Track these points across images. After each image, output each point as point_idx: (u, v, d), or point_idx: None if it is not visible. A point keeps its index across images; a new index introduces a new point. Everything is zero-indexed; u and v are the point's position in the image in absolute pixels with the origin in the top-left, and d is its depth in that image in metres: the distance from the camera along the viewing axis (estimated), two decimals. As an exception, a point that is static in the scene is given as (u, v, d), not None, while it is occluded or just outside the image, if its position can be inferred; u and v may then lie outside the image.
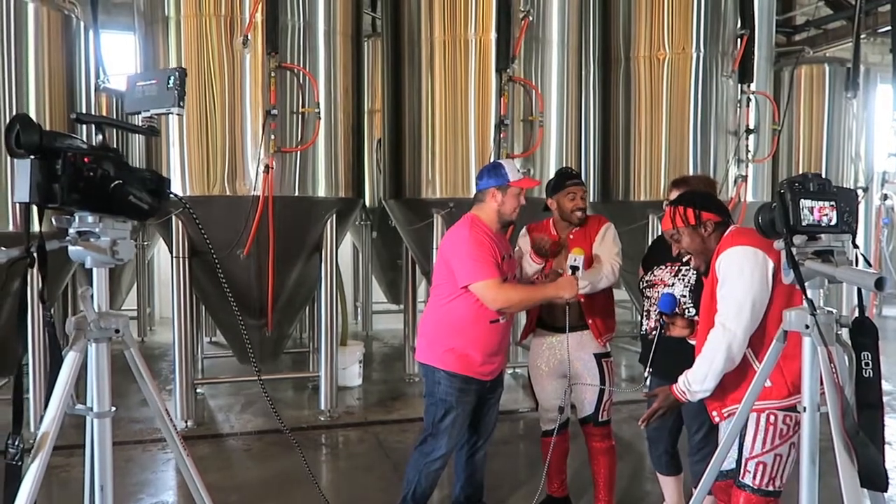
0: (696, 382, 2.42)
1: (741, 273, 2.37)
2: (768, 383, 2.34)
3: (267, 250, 4.87)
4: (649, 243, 3.62)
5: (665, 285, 3.18)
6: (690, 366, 2.52)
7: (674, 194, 3.19)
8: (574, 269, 3.11)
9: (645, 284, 3.30)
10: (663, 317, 2.76)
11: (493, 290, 3.00)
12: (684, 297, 3.13)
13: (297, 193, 4.94)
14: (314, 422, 5.25)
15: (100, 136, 1.84)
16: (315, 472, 4.44)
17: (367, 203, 7.63)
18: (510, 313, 3.22)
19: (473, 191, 3.34)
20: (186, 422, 4.98)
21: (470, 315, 3.09)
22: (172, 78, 1.84)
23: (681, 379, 2.47)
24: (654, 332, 2.80)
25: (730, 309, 2.37)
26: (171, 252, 5.06)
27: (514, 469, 4.27)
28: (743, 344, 2.36)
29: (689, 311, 3.10)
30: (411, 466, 3.22)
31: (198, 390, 5.61)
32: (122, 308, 8.38)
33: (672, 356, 2.83)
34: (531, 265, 3.39)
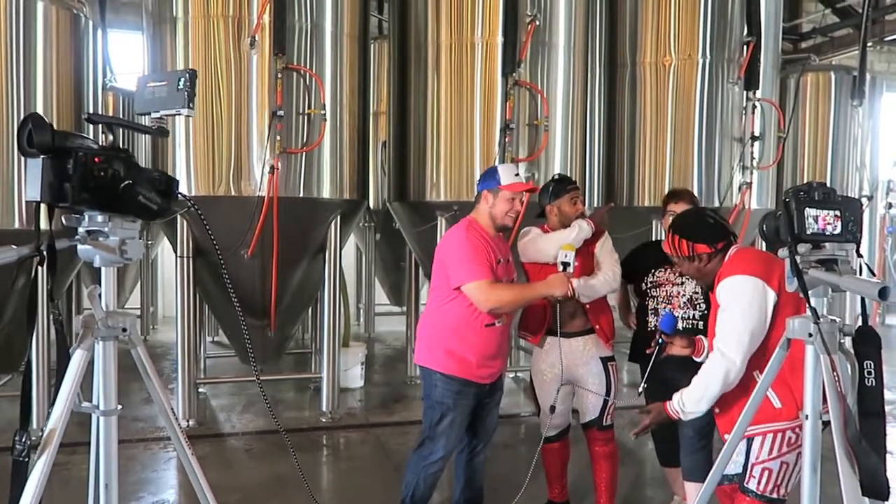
0: (690, 403, 2.45)
1: (740, 304, 2.39)
2: (778, 404, 2.35)
3: (271, 251, 4.88)
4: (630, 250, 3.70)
5: (673, 284, 3.26)
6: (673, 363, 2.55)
7: (670, 208, 3.30)
8: (565, 265, 3.12)
9: (649, 285, 3.38)
10: (663, 336, 2.78)
11: (485, 291, 3.01)
12: (697, 293, 3.23)
13: (301, 194, 4.95)
14: (315, 423, 5.26)
15: (110, 136, 1.85)
16: (316, 474, 4.46)
17: (372, 205, 7.64)
18: (508, 317, 3.22)
19: (476, 194, 3.36)
20: (188, 421, 4.99)
21: (465, 318, 3.09)
22: (183, 80, 1.85)
23: (675, 397, 2.49)
24: (652, 349, 2.82)
25: (729, 338, 2.39)
26: (175, 252, 5.08)
27: (515, 473, 4.26)
28: (741, 371, 2.39)
29: (699, 307, 3.20)
30: (410, 469, 3.23)
31: (200, 390, 5.62)
32: (126, 307, 8.41)
33: (671, 370, 2.88)
34: (558, 238, 3.32)
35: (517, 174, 3.21)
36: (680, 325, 3.16)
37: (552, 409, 3.39)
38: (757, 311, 2.37)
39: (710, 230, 2.60)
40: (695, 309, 3.23)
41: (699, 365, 2.54)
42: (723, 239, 2.59)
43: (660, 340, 2.75)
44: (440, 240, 3.28)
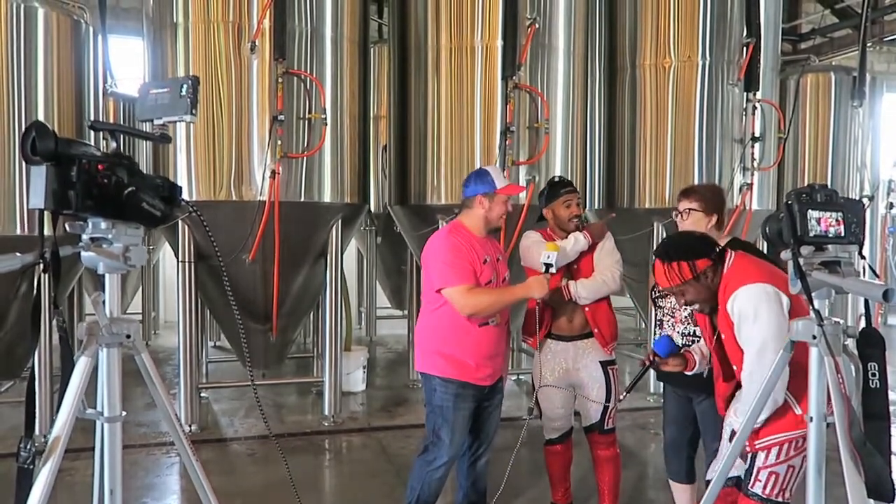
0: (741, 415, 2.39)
1: (757, 316, 2.33)
2: (799, 411, 2.32)
3: (272, 255, 4.88)
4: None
5: None
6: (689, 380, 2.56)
7: (682, 204, 3.16)
8: (547, 266, 3.09)
9: (656, 294, 3.26)
10: (655, 357, 2.75)
11: (463, 296, 3.00)
12: None
13: (302, 199, 4.96)
14: (318, 427, 5.26)
15: (113, 143, 1.85)
16: (318, 478, 4.46)
17: (373, 209, 7.65)
18: (503, 315, 3.20)
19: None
20: (190, 426, 4.99)
21: (459, 320, 3.07)
22: (185, 86, 1.85)
23: (730, 411, 2.50)
24: (643, 366, 2.80)
25: (752, 357, 2.34)
26: (176, 257, 5.09)
27: (517, 476, 4.26)
28: (785, 379, 2.29)
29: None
30: (414, 475, 3.22)
31: (202, 394, 5.62)
32: (127, 311, 8.41)
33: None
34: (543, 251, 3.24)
35: (505, 176, 3.21)
36: (680, 341, 3.07)
37: (530, 410, 3.42)
38: (776, 317, 2.32)
39: (701, 243, 2.52)
40: (696, 325, 3.18)
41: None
42: (715, 246, 2.54)
43: (652, 360, 2.74)
44: (426, 244, 3.26)
